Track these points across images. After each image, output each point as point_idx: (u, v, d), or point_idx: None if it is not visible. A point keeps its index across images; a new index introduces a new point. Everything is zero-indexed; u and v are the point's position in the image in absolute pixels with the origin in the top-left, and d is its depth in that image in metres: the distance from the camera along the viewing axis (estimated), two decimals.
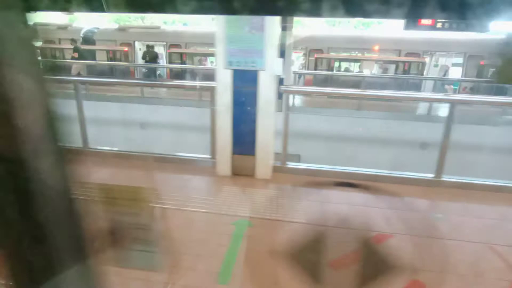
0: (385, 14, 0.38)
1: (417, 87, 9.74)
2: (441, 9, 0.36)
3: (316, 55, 10.22)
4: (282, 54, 3.14)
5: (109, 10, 0.42)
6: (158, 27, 11.42)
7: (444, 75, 11.83)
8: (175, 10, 0.42)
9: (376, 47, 10.19)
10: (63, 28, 11.59)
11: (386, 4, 0.37)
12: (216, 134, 3.29)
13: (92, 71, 10.19)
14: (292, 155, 6.48)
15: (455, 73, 11.38)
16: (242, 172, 3.17)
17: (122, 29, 11.39)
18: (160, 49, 11.34)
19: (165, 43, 10.87)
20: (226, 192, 2.81)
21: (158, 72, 10.87)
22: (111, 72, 10.40)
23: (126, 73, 10.86)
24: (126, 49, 10.71)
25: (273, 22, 2.75)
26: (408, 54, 9.97)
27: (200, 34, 11.13)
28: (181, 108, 6.46)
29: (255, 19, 2.70)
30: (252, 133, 3.04)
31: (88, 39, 11.21)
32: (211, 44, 12.13)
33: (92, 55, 10.96)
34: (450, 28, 6.46)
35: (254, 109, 2.97)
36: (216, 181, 3.10)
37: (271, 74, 2.88)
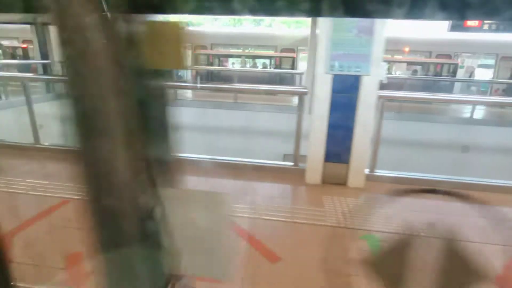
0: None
1: (448, 88, 9.63)
2: (492, 10, 0.35)
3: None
4: None
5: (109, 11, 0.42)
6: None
7: (470, 76, 11.72)
8: (175, 11, 0.44)
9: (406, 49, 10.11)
10: None
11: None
12: (303, 140, 3.19)
13: None
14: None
15: (483, 74, 11.27)
16: (333, 181, 3.05)
17: None
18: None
19: (190, 44, 10.78)
20: (329, 202, 2.70)
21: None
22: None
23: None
24: None
25: (382, 25, 2.64)
26: (439, 56, 9.87)
27: (223, 34, 11.01)
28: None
29: (363, 22, 2.59)
30: (348, 140, 2.93)
31: None
32: (235, 45, 12.18)
33: None
34: (497, 30, 6.37)
35: (353, 115, 2.86)
36: (309, 190, 2.98)
37: (375, 79, 2.76)
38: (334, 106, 2.85)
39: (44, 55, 7.98)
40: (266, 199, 2.76)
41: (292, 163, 3.33)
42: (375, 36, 2.61)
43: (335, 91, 2.81)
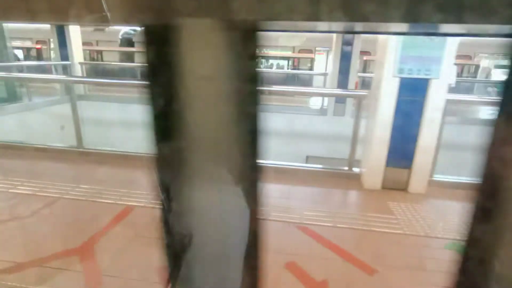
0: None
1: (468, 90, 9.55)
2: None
3: None
4: None
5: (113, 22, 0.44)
6: None
7: (486, 77, 11.65)
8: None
9: None
10: (100, 30, 11.41)
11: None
12: (361, 144, 3.12)
13: None
14: None
15: (499, 75, 11.19)
16: (393, 186, 2.97)
17: None
18: None
19: None
20: (397, 209, 2.62)
21: None
22: None
23: None
24: None
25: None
26: (460, 57, 9.79)
27: None
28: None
29: None
30: (412, 144, 2.85)
31: (126, 41, 11.03)
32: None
33: (131, 57, 10.78)
34: None
35: (418, 119, 2.78)
36: (371, 195, 2.90)
37: (444, 82, 2.68)
38: (399, 110, 2.77)
39: (64, 56, 7.90)
40: (329, 206, 2.68)
41: (345, 168, 3.25)
42: (448, 39, 2.54)
43: (402, 94, 2.73)
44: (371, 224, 2.35)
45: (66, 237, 2.07)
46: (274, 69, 10.71)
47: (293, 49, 9.77)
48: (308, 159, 7.60)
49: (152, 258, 1.79)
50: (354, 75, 6.98)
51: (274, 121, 6.91)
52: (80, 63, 8.04)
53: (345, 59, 6.90)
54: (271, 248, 1.91)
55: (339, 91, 3.55)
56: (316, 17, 0.38)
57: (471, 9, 0.35)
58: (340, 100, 7.08)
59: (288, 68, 9.92)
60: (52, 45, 12.33)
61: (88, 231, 2.11)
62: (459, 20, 0.36)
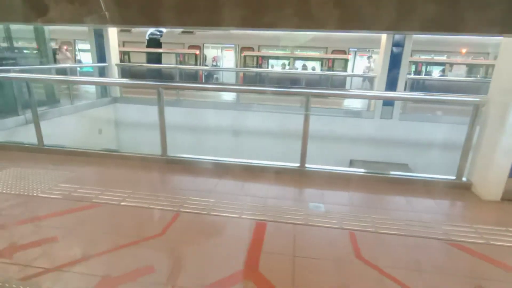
0: None
1: None
2: None
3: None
4: None
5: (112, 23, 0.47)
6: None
7: None
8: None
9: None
10: (126, 31, 11.25)
11: None
12: (479, 154, 2.95)
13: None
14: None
15: None
16: None
17: (189, 31, 11.05)
18: (221, 52, 11.00)
19: (236, 46, 10.53)
20: None
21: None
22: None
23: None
24: (197, 52, 10.37)
25: None
26: None
27: (271, 35, 10.77)
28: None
29: None
30: None
31: (153, 42, 10.87)
32: (280, 47, 11.99)
33: (158, 58, 10.62)
34: None
35: None
36: (496, 208, 2.73)
37: None
38: None
39: (101, 57, 7.76)
40: (464, 219, 2.51)
41: (454, 177, 3.08)
42: None
43: None
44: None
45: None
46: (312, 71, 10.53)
47: (325, 50, 9.62)
48: (351, 163, 7.46)
49: None
50: (403, 78, 6.81)
51: (322, 124, 6.75)
52: (117, 65, 7.90)
53: (394, 60, 6.74)
54: (451, 273, 1.71)
55: (445, 97, 3.38)
56: None
57: None
58: (387, 102, 6.93)
59: (316, 70, 9.77)
60: (77, 46, 12.20)
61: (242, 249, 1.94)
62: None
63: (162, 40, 10.92)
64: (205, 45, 10.55)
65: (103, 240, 2.03)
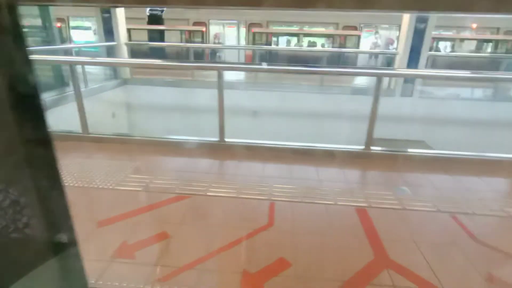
0: None
1: None
2: None
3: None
4: None
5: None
6: None
7: None
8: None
9: None
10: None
11: None
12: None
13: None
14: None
15: None
16: None
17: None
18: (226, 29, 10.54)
19: (243, 22, 10.09)
20: None
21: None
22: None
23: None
24: (204, 29, 9.89)
25: None
26: None
27: (281, 12, 10.37)
28: None
29: None
30: None
31: (155, 18, 10.27)
32: (289, 23, 11.57)
33: (160, 36, 10.09)
34: None
35: None
36: None
37: None
38: None
39: (109, 36, 7.28)
40: None
41: None
42: None
43: None
44: None
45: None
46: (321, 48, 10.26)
47: (336, 26, 9.37)
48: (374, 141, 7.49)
49: None
50: (425, 55, 6.77)
51: (342, 103, 6.69)
52: (126, 44, 7.45)
53: (416, 37, 6.65)
54: None
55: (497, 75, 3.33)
56: None
57: None
58: (408, 80, 6.90)
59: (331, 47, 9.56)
60: (71, 23, 11.41)
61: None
62: None
63: (164, 16, 10.34)
64: (210, 21, 10.07)
65: (216, 233, 1.95)
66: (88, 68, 7.94)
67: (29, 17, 6.36)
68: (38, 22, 6.34)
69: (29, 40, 6.37)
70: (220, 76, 3.03)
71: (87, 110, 3.40)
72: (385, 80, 7.45)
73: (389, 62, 10.12)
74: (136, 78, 7.52)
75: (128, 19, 10.46)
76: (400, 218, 2.18)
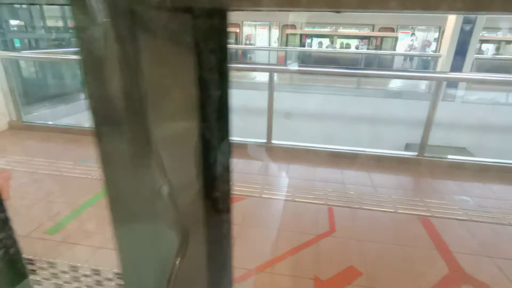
0: None
1: None
2: None
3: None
4: None
5: None
6: None
7: None
8: None
9: None
10: None
11: None
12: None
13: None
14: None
15: None
16: None
17: None
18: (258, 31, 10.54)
19: (275, 23, 10.07)
20: None
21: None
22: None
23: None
24: (238, 30, 9.98)
25: None
26: None
27: (315, 13, 10.28)
28: None
29: None
30: None
31: None
32: (325, 24, 11.42)
33: None
34: None
35: None
36: None
37: None
38: None
39: None
40: None
41: None
42: None
43: None
44: None
45: None
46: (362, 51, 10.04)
47: (372, 27, 9.13)
48: (407, 146, 7.24)
49: None
50: (471, 58, 6.45)
51: (378, 106, 6.53)
52: None
53: (462, 39, 6.36)
54: None
55: None
56: None
57: None
58: (451, 84, 6.61)
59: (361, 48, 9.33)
60: None
61: None
62: None
63: None
64: (244, 22, 10.10)
65: (279, 237, 1.93)
66: None
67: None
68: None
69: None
70: (271, 78, 3.03)
71: None
72: (425, 83, 7.20)
73: (425, 65, 9.76)
74: None
75: None
76: (468, 229, 2.07)
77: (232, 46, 9.86)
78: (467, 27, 6.27)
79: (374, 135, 6.36)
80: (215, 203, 0.48)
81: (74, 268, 1.57)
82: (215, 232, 0.49)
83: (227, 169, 0.52)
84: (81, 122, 4.20)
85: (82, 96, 4.99)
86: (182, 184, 0.46)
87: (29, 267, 1.56)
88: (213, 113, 0.47)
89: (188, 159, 0.45)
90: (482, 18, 6.27)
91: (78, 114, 4.64)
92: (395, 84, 8.29)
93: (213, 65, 0.44)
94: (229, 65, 0.47)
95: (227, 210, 0.50)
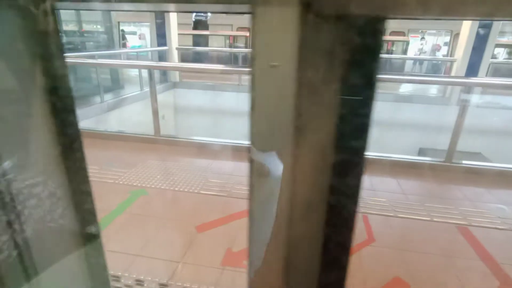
0: None
1: None
2: None
3: None
4: None
5: None
6: None
7: None
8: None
9: None
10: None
11: None
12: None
13: None
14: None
15: None
16: None
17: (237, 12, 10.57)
18: None
19: None
20: None
21: None
22: None
23: None
24: (247, 34, 9.99)
25: None
26: None
27: None
28: None
29: None
30: None
31: (200, 23, 10.52)
32: None
33: (205, 41, 10.30)
34: None
35: None
36: None
37: None
38: None
39: (161, 41, 7.52)
40: None
41: None
42: None
43: None
44: None
45: None
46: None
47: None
48: (420, 151, 7.16)
49: None
50: (487, 62, 6.39)
51: (393, 110, 6.48)
52: (177, 48, 7.67)
53: (478, 43, 6.30)
54: None
55: None
56: None
57: None
58: (466, 88, 6.54)
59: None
60: (121, 28, 11.91)
61: None
62: None
63: (209, 21, 10.54)
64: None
65: None
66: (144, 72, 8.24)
67: (91, 23, 6.72)
68: (101, 27, 6.67)
69: (92, 44, 6.71)
70: None
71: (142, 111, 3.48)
72: (440, 88, 7.14)
73: (436, 69, 9.71)
74: (185, 81, 7.72)
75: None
76: (510, 239, 2.02)
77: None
78: (482, 31, 6.22)
79: (388, 140, 6.28)
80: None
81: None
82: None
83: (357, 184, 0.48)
84: (97, 126, 4.20)
85: (96, 100, 5.00)
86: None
87: None
88: (354, 127, 0.43)
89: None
90: (498, 23, 6.21)
91: (93, 118, 4.63)
92: (406, 88, 8.23)
93: (361, 77, 0.41)
94: (378, 77, 0.44)
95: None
